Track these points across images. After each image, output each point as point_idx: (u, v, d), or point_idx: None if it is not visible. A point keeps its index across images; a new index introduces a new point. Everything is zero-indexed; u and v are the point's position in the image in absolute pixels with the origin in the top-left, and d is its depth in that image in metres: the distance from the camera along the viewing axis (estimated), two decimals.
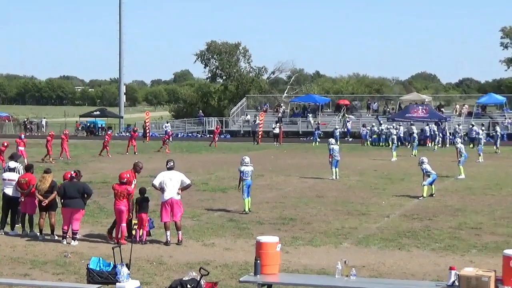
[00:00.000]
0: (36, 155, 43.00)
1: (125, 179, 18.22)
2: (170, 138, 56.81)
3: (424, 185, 26.42)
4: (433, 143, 56.09)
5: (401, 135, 56.19)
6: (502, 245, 17.40)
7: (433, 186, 26.71)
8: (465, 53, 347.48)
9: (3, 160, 34.35)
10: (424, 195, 26.15)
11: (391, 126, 57.98)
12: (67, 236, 18.14)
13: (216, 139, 58.31)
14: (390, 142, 50.61)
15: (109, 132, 54.41)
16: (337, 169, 32.79)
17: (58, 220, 18.85)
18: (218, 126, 67.55)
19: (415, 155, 45.48)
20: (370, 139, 60.84)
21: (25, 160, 36.11)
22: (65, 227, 18.12)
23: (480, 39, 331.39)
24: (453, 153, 38.10)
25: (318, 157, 43.70)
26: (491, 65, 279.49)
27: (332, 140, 34.61)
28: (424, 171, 26.68)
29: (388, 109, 75.50)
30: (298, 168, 37.87)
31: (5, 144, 37.27)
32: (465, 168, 33.74)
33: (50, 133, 45.61)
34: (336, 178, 32.38)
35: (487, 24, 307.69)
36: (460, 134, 55.09)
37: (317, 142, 59.59)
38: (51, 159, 41.25)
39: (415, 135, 51.48)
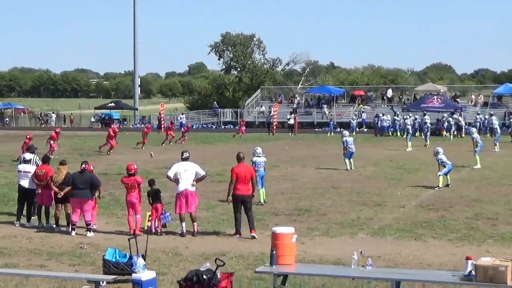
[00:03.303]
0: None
1: (133, 170, 18.20)
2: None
3: (439, 175, 26.30)
4: (448, 133, 55.86)
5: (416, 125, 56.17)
6: None
7: (448, 176, 26.59)
8: (480, 44, 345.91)
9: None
10: (440, 185, 26.04)
11: (407, 117, 57.84)
12: (85, 227, 18.22)
13: (244, 129, 58.02)
14: (405, 132, 50.57)
15: (148, 125, 54.67)
16: (351, 159, 32.70)
17: None
18: (242, 119, 67.29)
19: (426, 145, 45.67)
20: (385, 130, 60.74)
21: (51, 154, 36.66)
22: (74, 219, 18.13)
23: (496, 29, 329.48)
24: (469, 143, 37.92)
25: (333, 148, 43.62)
26: (507, 55, 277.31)
27: (345, 132, 34.35)
28: (440, 161, 26.55)
29: (403, 99, 75.34)
30: (313, 159, 37.82)
31: (29, 136, 37.58)
32: (481, 158, 33.57)
33: (113, 126, 45.67)
34: (351, 168, 32.29)
35: (502, 14, 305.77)
36: (476, 124, 54.87)
37: (332, 133, 59.64)
38: (110, 151, 41.41)
39: (428, 125, 51.48)
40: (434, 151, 27.23)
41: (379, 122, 61.18)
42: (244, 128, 58.72)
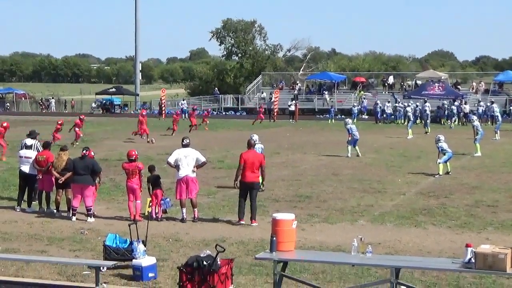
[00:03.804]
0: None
1: (134, 156, 18.21)
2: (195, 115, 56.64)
3: (439, 163, 26.31)
4: (449, 120, 55.80)
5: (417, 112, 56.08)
6: None
7: (448, 164, 26.60)
8: (482, 31, 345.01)
9: (59, 137, 36.54)
10: (440, 172, 26.05)
11: (408, 104, 57.75)
12: (85, 213, 18.23)
13: (263, 117, 57.87)
14: (406, 120, 50.53)
15: (177, 111, 54.57)
16: (356, 146, 32.70)
17: None
18: (262, 105, 66.86)
19: (427, 133, 45.72)
20: (384, 117, 60.69)
21: (77, 141, 37.42)
22: (75, 204, 18.16)
23: (497, 16, 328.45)
24: (469, 131, 37.91)
25: (334, 135, 43.61)
26: (508, 43, 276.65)
27: (349, 120, 34.29)
28: (440, 149, 26.56)
29: (404, 86, 75.24)
30: (314, 146, 37.81)
31: (60, 122, 38.18)
32: (482, 146, 33.57)
33: (141, 112, 45.54)
34: (358, 155, 32.28)
35: (504, 1, 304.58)
36: (477, 112, 54.82)
37: (333, 120, 59.64)
38: (146, 138, 40.55)
39: (427, 112, 51.44)
40: (435, 139, 27.24)
41: (382, 109, 61.06)
42: (263, 114, 58.58)
